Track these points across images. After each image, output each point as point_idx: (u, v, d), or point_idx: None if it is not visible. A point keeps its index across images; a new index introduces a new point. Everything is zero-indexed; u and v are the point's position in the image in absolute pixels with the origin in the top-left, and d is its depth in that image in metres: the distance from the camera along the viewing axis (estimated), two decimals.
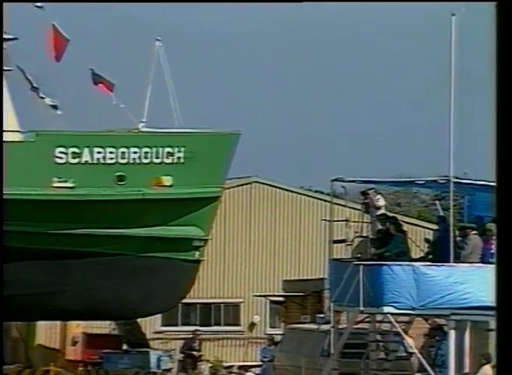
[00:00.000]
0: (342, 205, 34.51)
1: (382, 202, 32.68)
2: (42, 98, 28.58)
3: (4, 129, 28.36)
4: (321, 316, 35.47)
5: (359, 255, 31.80)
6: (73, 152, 28.31)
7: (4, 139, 28.01)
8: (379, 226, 31.91)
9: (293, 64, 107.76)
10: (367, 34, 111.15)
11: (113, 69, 31.35)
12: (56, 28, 28.97)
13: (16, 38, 29.09)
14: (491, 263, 31.31)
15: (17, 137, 28.18)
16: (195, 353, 39.71)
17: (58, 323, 47.10)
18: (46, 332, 50.20)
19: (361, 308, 31.08)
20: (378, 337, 32.58)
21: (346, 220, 32.80)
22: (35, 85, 29.08)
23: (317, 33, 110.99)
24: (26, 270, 28.39)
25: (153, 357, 47.34)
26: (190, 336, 42.24)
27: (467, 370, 31.17)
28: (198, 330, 43.92)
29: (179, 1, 50.96)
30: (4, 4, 28.39)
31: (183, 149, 28.86)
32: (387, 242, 31.54)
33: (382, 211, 32.55)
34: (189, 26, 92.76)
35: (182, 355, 41.38)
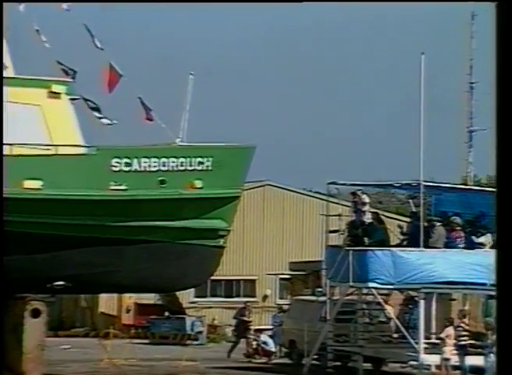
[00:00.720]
0: (336, 203, 34.61)
1: (367, 200, 32.27)
2: (100, 118, 28.14)
3: (71, 143, 27.89)
4: (320, 289, 35.25)
5: (348, 243, 31.38)
6: (126, 162, 28.01)
7: (71, 152, 27.73)
8: (366, 220, 31.51)
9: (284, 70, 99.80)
10: (359, 38, 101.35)
11: (158, 95, 30.78)
12: (112, 66, 28.59)
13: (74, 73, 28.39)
14: (453, 248, 31.33)
15: (82, 150, 27.89)
16: (246, 319, 38.98)
17: (116, 295, 47.40)
18: (106, 302, 50.65)
19: (351, 283, 31.09)
20: (364, 306, 32.63)
21: (339, 215, 32.82)
22: (95, 108, 28.73)
23: (312, 36, 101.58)
24: (92, 254, 28.11)
25: (188, 322, 48.00)
26: (242, 306, 41.48)
27: (433, 331, 31.38)
28: (248, 302, 43.17)
29: (179, 2, 43.12)
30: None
31: (210, 159, 28.64)
32: (371, 232, 31.43)
33: (368, 207, 32.22)
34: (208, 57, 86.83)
35: (235, 321, 40.53)
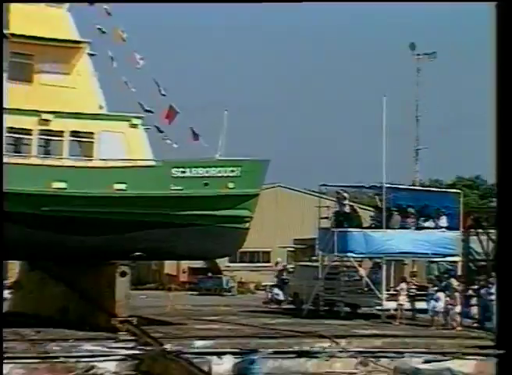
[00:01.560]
0: (325, 199, 33.91)
1: (346, 197, 31.96)
2: (164, 139, 27.54)
3: (145, 158, 26.98)
4: (314, 258, 34.89)
5: (334, 226, 31.07)
6: (181, 171, 27.08)
7: (144, 164, 26.77)
8: (346, 210, 31.41)
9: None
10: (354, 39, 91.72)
11: (204, 124, 30.17)
12: (172, 106, 27.33)
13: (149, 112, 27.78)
14: (406, 229, 31.20)
15: (152, 163, 27.05)
16: (285, 278, 38.11)
17: (175, 261, 46.51)
18: (169, 266, 49.62)
19: (335, 253, 30.88)
20: (345, 269, 32.15)
21: (328, 207, 32.30)
22: (162, 133, 28.25)
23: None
24: (160, 234, 26.88)
25: (224, 280, 47.63)
26: (281, 268, 40.35)
27: (391, 286, 30.92)
28: (286, 265, 41.76)
29: (180, 2, 37.78)
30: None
31: (239, 169, 27.75)
32: (350, 219, 31.18)
33: (347, 202, 31.87)
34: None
35: (276, 279, 39.18)
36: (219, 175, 27.43)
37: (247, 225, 28.40)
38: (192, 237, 27.21)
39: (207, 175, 27.30)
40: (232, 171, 27.69)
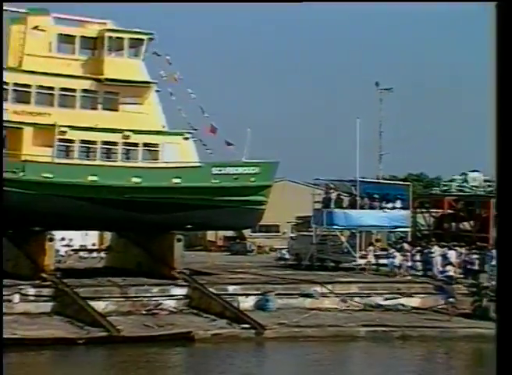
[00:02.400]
0: (318, 189, 33.77)
1: (333, 187, 31.95)
2: (204, 145, 27.02)
3: (193, 161, 26.42)
4: (310, 229, 34.40)
5: (323, 207, 30.93)
6: (218, 169, 26.77)
7: (192, 165, 26.34)
8: (332, 197, 31.29)
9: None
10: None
11: (236, 135, 29.11)
12: (213, 125, 26.67)
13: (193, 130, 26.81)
14: (373, 209, 30.76)
15: (198, 164, 26.56)
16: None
17: (214, 232, 45.66)
18: (210, 234, 47.76)
19: (324, 226, 30.84)
20: (331, 237, 32.00)
21: (319, 194, 32.21)
22: (204, 144, 27.43)
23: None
24: (204, 213, 26.26)
25: (248, 244, 46.60)
26: (287, 236, 40.00)
27: (363, 248, 30.68)
28: (291, 234, 41.02)
29: (180, 2, 32.36)
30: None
31: (258, 168, 27.38)
32: (334, 202, 30.99)
33: (333, 191, 31.74)
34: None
35: (284, 244, 39.23)
36: (245, 172, 27.24)
37: (264, 207, 28.11)
38: (226, 215, 26.89)
39: (236, 172, 27.03)
40: (254, 169, 27.50)
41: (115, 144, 25.45)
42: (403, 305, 24.83)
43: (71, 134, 24.48)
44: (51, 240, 24.58)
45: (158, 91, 26.61)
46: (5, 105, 23.88)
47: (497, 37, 6.49)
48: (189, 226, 27.10)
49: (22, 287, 22.12)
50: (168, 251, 25.85)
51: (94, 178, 24.52)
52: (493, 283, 23.28)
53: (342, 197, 32.48)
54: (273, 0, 30.93)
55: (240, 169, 27.10)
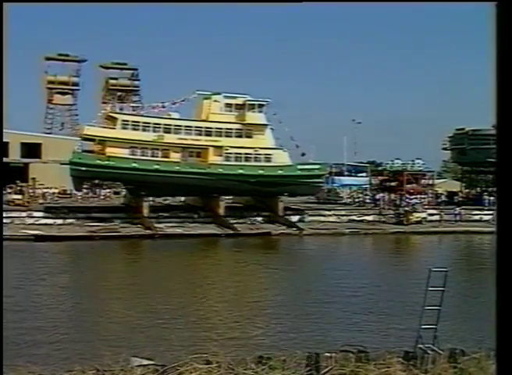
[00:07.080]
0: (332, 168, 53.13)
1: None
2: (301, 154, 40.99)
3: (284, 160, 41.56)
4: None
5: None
6: (301, 166, 42.04)
7: (288, 164, 41.20)
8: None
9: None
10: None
11: (305, 145, 44.53)
12: (297, 144, 42.00)
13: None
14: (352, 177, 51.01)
15: (291, 164, 40.96)
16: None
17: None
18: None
19: (329, 184, 48.84)
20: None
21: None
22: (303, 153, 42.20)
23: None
24: (292, 189, 40.51)
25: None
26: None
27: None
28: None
29: (180, 2, 30.62)
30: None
31: (319, 166, 42.18)
32: (335, 174, 49.36)
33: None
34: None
35: None
36: (313, 167, 43.03)
37: (321, 184, 45.15)
38: (303, 189, 42.65)
39: (309, 167, 42.79)
40: (316, 166, 43.20)
41: (250, 154, 42.69)
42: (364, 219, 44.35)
43: (229, 150, 43.58)
44: None
45: (272, 129, 43.19)
46: (203, 139, 43.78)
47: (497, 37, 5.73)
48: (285, 193, 43.34)
49: None
50: (275, 205, 43.25)
51: (241, 171, 42.19)
52: None
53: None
54: (273, 0, 28.93)
55: (311, 166, 43.14)
